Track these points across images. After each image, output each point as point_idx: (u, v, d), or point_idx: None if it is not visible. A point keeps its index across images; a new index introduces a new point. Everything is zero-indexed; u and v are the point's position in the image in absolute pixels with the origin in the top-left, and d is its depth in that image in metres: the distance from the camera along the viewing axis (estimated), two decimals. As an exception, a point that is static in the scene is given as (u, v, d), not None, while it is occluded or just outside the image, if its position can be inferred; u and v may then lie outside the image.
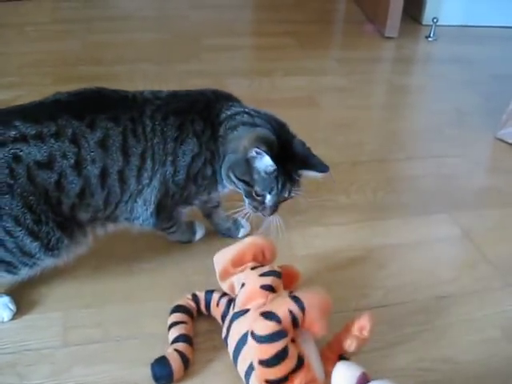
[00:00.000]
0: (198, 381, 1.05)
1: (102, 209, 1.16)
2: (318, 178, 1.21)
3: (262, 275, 1.06)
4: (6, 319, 1.15)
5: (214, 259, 1.15)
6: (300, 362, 0.94)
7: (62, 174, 1.09)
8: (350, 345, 1.00)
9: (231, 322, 1.05)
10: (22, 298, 1.20)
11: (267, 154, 1.11)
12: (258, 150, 1.11)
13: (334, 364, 0.93)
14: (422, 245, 1.45)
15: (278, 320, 0.93)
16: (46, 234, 1.10)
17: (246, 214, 1.25)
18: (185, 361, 1.05)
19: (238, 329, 1.03)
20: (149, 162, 1.16)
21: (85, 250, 1.21)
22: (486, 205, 1.63)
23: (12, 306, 1.16)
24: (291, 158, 1.17)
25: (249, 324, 0.97)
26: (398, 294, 1.28)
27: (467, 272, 1.37)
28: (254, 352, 0.93)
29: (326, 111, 2.11)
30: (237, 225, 1.41)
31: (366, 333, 1.00)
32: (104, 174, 1.12)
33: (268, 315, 0.94)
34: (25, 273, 1.15)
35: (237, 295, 1.10)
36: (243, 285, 1.08)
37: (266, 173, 1.16)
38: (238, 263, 1.11)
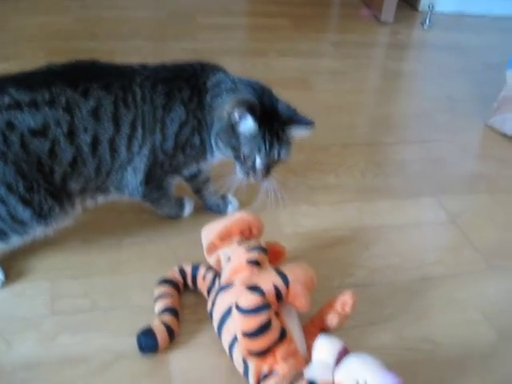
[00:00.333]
0: (182, 351, 1.07)
1: (93, 178, 1.17)
2: (304, 135, 1.23)
3: (248, 250, 1.08)
4: (-6, 287, 1.16)
5: (202, 233, 1.16)
6: (282, 335, 0.95)
7: (55, 142, 1.10)
8: (331, 320, 1.03)
9: (217, 295, 1.07)
10: (12, 267, 1.20)
11: (249, 114, 1.13)
12: (240, 112, 1.14)
13: (315, 338, 0.95)
14: (409, 227, 1.47)
15: (262, 293, 0.94)
16: (38, 202, 1.11)
17: (238, 181, 1.25)
18: (170, 332, 1.06)
19: (223, 302, 1.04)
20: (139, 130, 1.17)
21: (71, 223, 1.21)
22: (473, 190, 1.65)
23: (1, 275, 1.17)
24: (277, 119, 1.19)
25: (234, 297, 0.99)
26: (382, 274, 1.30)
27: (451, 255, 1.39)
28: (237, 324, 0.95)
29: (319, 93, 2.11)
30: (226, 201, 1.42)
31: (347, 309, 1.02)
32: (95, 143, 1.13)
33: (252, 288, 0.95)
34: (15, 241, 1.16)
35: (223, 269, 1.11)
36: (229, 259, 1.10)
37: (250, 134, 1.17)
38: (225, 238, 1.13)
